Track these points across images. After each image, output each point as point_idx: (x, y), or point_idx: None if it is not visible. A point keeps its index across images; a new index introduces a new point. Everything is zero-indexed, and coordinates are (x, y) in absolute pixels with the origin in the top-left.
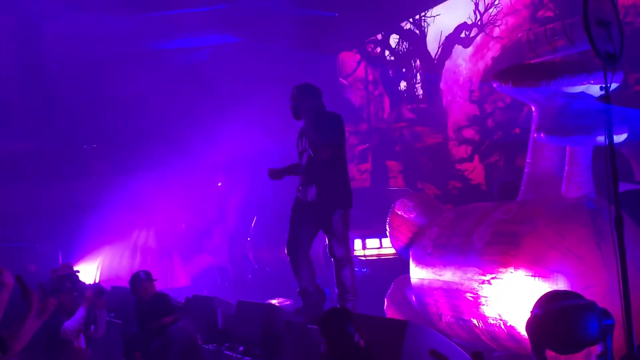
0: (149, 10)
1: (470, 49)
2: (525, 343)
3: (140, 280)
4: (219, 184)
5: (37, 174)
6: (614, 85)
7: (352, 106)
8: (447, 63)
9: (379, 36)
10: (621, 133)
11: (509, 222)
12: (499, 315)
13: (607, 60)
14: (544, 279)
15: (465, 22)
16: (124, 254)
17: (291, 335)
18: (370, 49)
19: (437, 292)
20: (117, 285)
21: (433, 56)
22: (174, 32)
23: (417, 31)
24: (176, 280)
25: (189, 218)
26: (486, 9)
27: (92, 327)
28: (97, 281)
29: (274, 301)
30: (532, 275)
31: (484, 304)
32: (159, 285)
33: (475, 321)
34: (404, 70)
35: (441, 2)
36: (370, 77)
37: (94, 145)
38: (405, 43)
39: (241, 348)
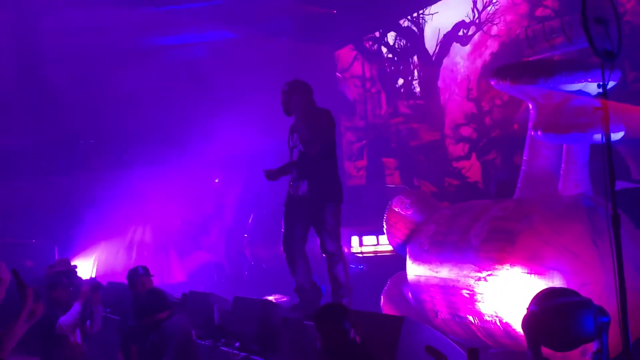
0: (145, 5)
1: (468, 47)
2: (521, 340)
3: (137, 275)
4: (216, 181)
5: (33, 169)
6: (611, 84)
7: (350, 103)
8: (445, 61)
9: (377, 34)
10: (618, 131)
11: (506, 219)
12: (495, 312)
13: (605, 58)
14: (540, 276)
15: (463, 20)
16: (120, 250)
17: (287, 331)
18: (368, 46)
19: (434, 289)
20: (113, 281)
21: (431, 54)
22: (172, 28)
23: (415, 29)
24: (172, 276)
25: (186, 214)
26: (484, 7)
27: (88, 322)
28: (93, 276)
29: (270, 298)
30: (528, 273)
31: (480, 301)
32: (155, 281)
33: (471, 318)
34: (401, 68)
35: (439, 0)
36: (368, 74)
37: (91, 141)
38: (403, 41)
39: (237, 344)
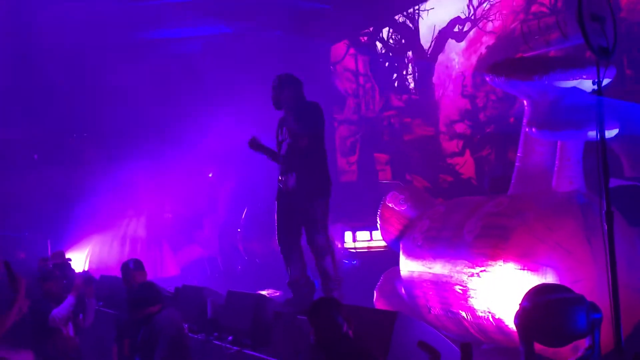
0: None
1: (463, 44)
2: (514, 336)
3: (128, 269)
4: (210, 175)
5: (27, 162)
6: (606, 81)
7: (343, 97)
8: (440, 57)
9: (372, 29)
10: (612, 128)
11: (499, 215)
12: (488, 308)
13: (600, 54)
14: (533, 272)
15: (458, 17)
16: (113, 243)
17: (280, 325)
18: (362, 41)
19: (427, 285)
20: (106, 274)
21: (426, 50)
22: (166, 22)
23: (411, 25)
24: (165, 270)
25: (179, 208)
26: (480, 4)
27: (81, 315)
28: (86, 270)
29: (263, 292)
30: (521, 269)
31: (473, 297)
32: (148, 275)
33: (463, 314)
34: (396, 64)
35: None
36: (362, 70)
37: (84, 134)
38: (398, 36)
39: (230, 338)
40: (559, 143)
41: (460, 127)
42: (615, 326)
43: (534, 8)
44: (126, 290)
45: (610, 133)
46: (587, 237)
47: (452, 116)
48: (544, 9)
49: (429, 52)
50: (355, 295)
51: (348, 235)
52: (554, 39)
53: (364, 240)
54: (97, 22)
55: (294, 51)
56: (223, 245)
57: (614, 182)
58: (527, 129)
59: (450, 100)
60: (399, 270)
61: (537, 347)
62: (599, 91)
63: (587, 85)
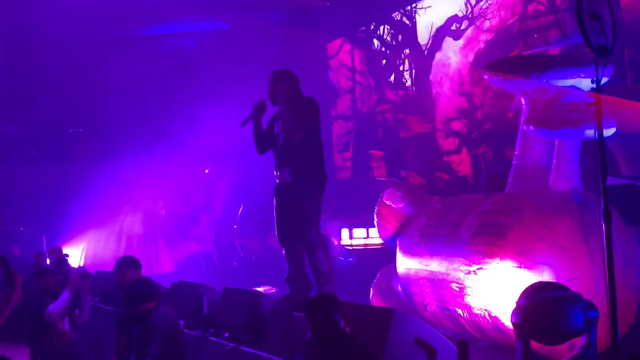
0: None
1: (460, 42)
2: (510, 334)
3: (120, 266)
4: (206, 171)
5: (23, 157)
6: (604, 80)
7: (340, 93)
8: (437, 55)
9: (371, 26)
10: (610, 127)
11: (496, 213)
12: (484, 305)
13: (599, 53)
14: (529, 270)
15: (456, 15)
16: (109, 239)
17: (276, 322)
18: (360, 38)
19: (423, 282)
20: (102, 270)
21: (423, 48)
22: (164, 18)
23: (408, 22)
24: (161, 266)
25: (175, 204)
26: (477, 2)
27: (77, 310)
28: (81, 265)
29: (259, 289)
30: (518, 267)
31: (469, 294)
32: (143, 271)
33: (460, 311)
34: (393, 60)
35: None
36: (358, 67)
37: (80, 130)
38: (395, 34)
39: (226, 334)
40: (556, 141)
41: (457, 125)
42: (612, 324)
43: (531, 7)
44: (119, 288)
45: (608, 132)
46: (583, 236)
47: (449, 114)
48: (541, 7)
49: (426, 50)
50: (351, 292)
51: (344, 232)
52: (553, 37)
53: (360, 237)
54: (94, 18)
55: (291, 47)
56: (219, 242)
57: (610, 181)
58: (524, 127)
59: (447, 98)
60: (395, 268)
61: (534, 344)
62: (598, 89)
63: (585, 83)
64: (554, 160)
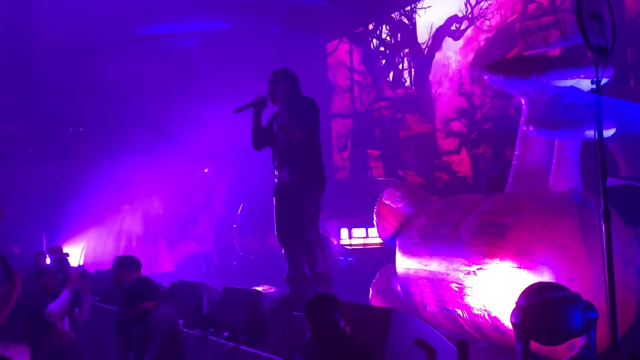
0: None
1: (460, 42)
2: (509, 334)
3: (115, 267)
4: (206, 170)
5: (22, 156)
6: (604, 80)
7: (339, 94)
8: (437, 55)
9: (370, 26)
10: (610, 128)
11: (496, 213)
12: (484, 305)
13: (599, 53)
14: (529, 271)
15: (456, 15)
16: (108, 238)
17: (276, 321)
18: (359, 38)
19: (423, 282)
20: (101, 269)
21: (423, 48)
22: (163, 17)
23: (408, 22)
24: (161, 265)
25: (175, 204)
26: (477, 2)
27: (77, 310)
28: (81, 264)
29: (259, 288)
30: (517, 267)
31: (469, 295)
32: (143, 271)
33: (459, 311)
34: (393, 59)
35: None
36: (359, 66)
37: (80, 129)
38: (395, 34)
39: (226, 334)
40: (556, 142)
41: (456, 125)
42: (611, 325)
43: (531, 7)
44: (117, 288)
45: (608, 132)
46: (583, 236)
47: (449, 114)
48: (543, 2)
49: (425, 50)
50: (351, 292)
51: (344, 232)
52: (553, 37)
53: (360, 237)
54: (94, 17)
55: (291, 47)
56: (218, 241)
57: (610, 182)
58: (524, 128)
59: (446, 98)
60: (395, 268)
61: (533, 345)
62: (598, 90)
63: (585, 84)
64: (553, 161)
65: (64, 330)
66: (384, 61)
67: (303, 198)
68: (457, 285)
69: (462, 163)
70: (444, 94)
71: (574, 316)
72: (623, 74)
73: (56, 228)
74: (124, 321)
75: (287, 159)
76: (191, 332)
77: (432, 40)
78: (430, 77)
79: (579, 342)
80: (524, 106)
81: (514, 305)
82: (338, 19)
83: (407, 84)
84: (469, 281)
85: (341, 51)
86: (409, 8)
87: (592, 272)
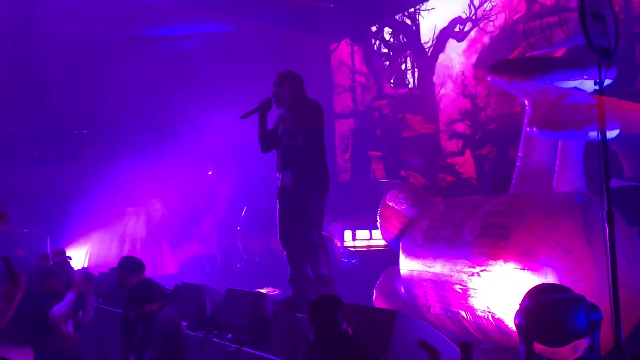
0: None
1: (464, 44)
2: (513, 335)
3: (121, 270)
4: (210, 173)
5: (27, 158)
6: (607, 81)
7: (342, 95)
8: (441, 57)
9: (373, 28)
10: (613, 129)
11: (499, 214)
12: (488, 307)
13: (602, 55)
14: (533, 272)
15: (459, 17)
16: (112, 241)
17: (279, 323)
18: (363, 39)
19: (426, 284)
20: (105, 272)
21: (426, 49)
22: (167, 19)
23: (412, 24)
24: (165, 267)
25: (179, 206)
26: (481, 4)
27: (81, 312)
28: (85, 267)
29: (262, 290)
30: (521, 268)
31: (472, 296)
32: (147, 273)
33: (463, 313)
34: (397, 60)
35: None
36: (363, 68)
37: (84, 131)
38: (399, 35)
39: (229, 335)
40: (559, 143)
41: (460, 127)
42: (615, 326)
43: (535, 8)
44: (121, 289)
45: (612, 134)
46: (587, 237)
47: (452, 115)
48: (546, 3)
49: (429, 52)
50: (354, 293)
51: (348, 233)
52: (556, 38)
53: (363, 239)
54: (97, 19)
55: (294, 49)
56: (222, 243)
57: (613, 183)
58: (528, 129)
59: (450, 100)
60: (398, 269)
61: (537, 346)
62: (601, 91)
63: (588, 85)
64: (557, 162)
65: (68, 333)
66: (387, 63)
67: (306, 201)
68: (461, 287)
69: (466, 165)
70: (448, 96)
71: (577, 318)
72: (632, 74)
73: (60, 230)
74: (128, 323)
75: (291, 162)
76: (194, 334)
77: (435, 42)
78: (434, 78)
79: (583, 343)
80: (527, 107)
81: (517, 307)
82: (341, 21)
83: (410, 85)
84: (473, 283)
85: (343, 51)
86: (412, 10)
87: (595, 273)
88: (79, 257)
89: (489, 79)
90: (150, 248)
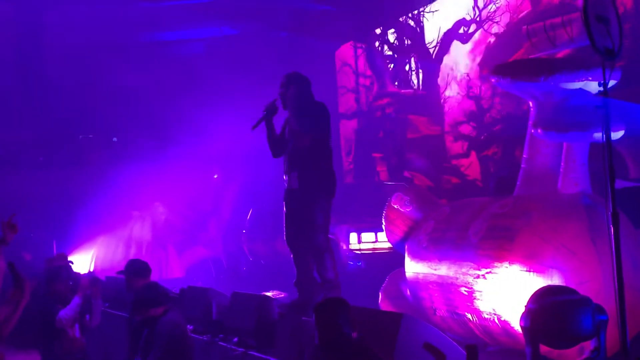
0: (147, 1)
1: (468, 45)
2: (519, 338)
3: (128, 273)
4: (215, 176)
5: (33, 163)
6: (612, 82)
7: (346, 97)
8: (445, 59)
9: (377, 30)
10: (618, 130)
11: (504, 216)
12: (493, 309)
13: (606, 56)
14: (538, 274)
15: (464, 18)
16: (118, 245)
17: (285, 327)
18: (367, 42)
19: (432, 286)
20: (111, 276)
21: (431, 52)
22: (171, 24)
23: (416, 26)
24: (170, 271)
25: (184, 210)
26: (485, 5)
27: (87, 316)
28: (91, 271)
29: (268, 293)
30: (527, 270)
31: (478, 299)
32: (153, 276)
33: (469, 315)
34: (404, 65)
35: None
36: (366, 71)
37: (90, 136)
38: (403, 38)
39: (235, 339)
40: (564, 144)
41: (465, 129)
42: (621, 328)
43: (540, 8)
44: (126, 291)
45: (616, 135)
46: (592, 239)
47: (457, 117)
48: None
49: (434, 54)
50: (360, 296)
51: (353, 236)
52: (560, 40)
53: (369, 241)
54: (103, 25)
55: (298, 52)
56: (228, 247)
57: (619, 184)
58: (532, 130)
59: (455, 102)
60: (404, 272)
61: (543, 348)
62: (605, 92)
63: (593, 86)
64: (562, 164)
65: (75, 337)
66: (391, 65)
67: (312, 204)
68: (467, 289)
69: (471, 166)
70: (453, 97)
71: (583, 319)
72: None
73: (66, 234)
74: (134, 326)
75: (297, 164)
76: (200, 337)
77: (440, 44)
78: (439, 80)
79: (589, 345)
80: (531, 109)
81: (523, 309)
82: (345, 24)
83: (415, 87)
84: (479, 285)
85: (346, 51)
86: (416, 12)
87: (601, 275)
88: (85, 261)
89: (493, 80)
90: (156, 252)
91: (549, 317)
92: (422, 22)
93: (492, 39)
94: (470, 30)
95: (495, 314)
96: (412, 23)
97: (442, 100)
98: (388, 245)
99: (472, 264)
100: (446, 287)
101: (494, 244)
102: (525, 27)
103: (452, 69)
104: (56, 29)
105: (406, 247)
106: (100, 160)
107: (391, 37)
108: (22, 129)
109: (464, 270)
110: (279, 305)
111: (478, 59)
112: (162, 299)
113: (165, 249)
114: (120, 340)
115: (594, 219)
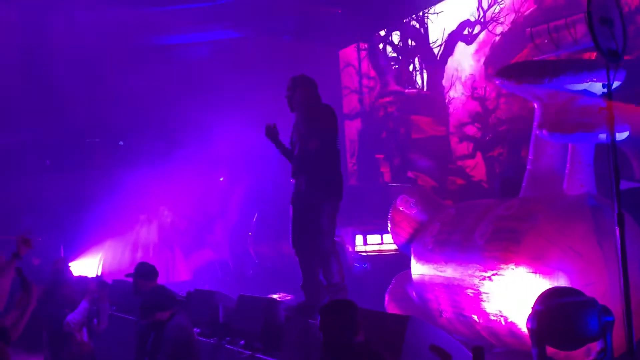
0: (152, 4)
1: (473, 46)
2: (526, 339)
3: (133, 276)
4: (221, 179)
5: (40, 167)
6: (616, 83)
7: (348, 97)
8: (450, 60)
9: (382, 32)
10: (623, 131)
11: (510, 218)
12: (500, 311)
13: (610, 57)
14: (544, 276)
15: (468, 20)
16: (126, 248)
17: (291, 329)
18: (371, 43)
19: (438, 288)
20: (119, 279)
21: (435, 53)
22: (177, 28)
23: (420, 28)
24: (177, 274)
25: (191, 212)
26: (490, 6)
27: (95, 320)
28: (99, 274)
29: (274, 296)
30: (533, 272)
31: (484, 300)
32: (160, 280)
33: (475, 317)
34: (408, 67)
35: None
36: (370, 73)
37: (96, 139)
38: (407, 39)
39: (242, 342)
40: (570, 146)
41: (470, 130)
42: (627, 329)
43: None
44: (134, 294)
45: (621, 136)
46: (598, 240)
47: (462, 118)
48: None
49: (438, 56)
50: (366, 298)
51: (359, 238)
52: (564, 42)
53: (374, 243)
54: (109, 28)
55: (303, 55)
56: (234, 249)
57: (624, 185)
58: (538, 132)
59: (460, 103)
60: (410, 274)
61: (549, 350)
62: (610, 94)
63: (597, 88)
64: (567, 165)
65: (83, 341)
66: (396, 67)
67: (318, 208)
68: (473, 291)
69: (476, 168)
70: (457, 98)
71: (590, 321)
72: None
73: (74, 238)
74: (141, 330)
75: (304, 168)
76: (207, 340)
77: (444, 45)
78: (443, 81)
79: (595, 347)
80: (536, 110)
81: (529, 311)
82: (350, 26)
83: (419, 83)
84: (485, 287)
85: (349, 52)
86: (421, 13)
87: (607, 276)
88: (92, 265)
89: (497, 82)
90: (163, 255)
91: (556, 318)
92: (427, 23)
93: (497, 40)
94: (475, 31)
95: (501, 316)
96: (416, 25)
97: (446, 101)
98: (394, 247)
99: (478, 265)
100: (452, 289)
101: (500, 246)
102: (528, 29)
103: (456, 70)
104: (62, 33)
105: (412, 249)
106: (106, 164)
107: (395, 38)
108: (29, 133)
109: (470, 272)
110: (286, 308)
111: (483, 60)
112: (169, 303)
113: (172, 251)
114: (128, 343)
115: (599, 220)
